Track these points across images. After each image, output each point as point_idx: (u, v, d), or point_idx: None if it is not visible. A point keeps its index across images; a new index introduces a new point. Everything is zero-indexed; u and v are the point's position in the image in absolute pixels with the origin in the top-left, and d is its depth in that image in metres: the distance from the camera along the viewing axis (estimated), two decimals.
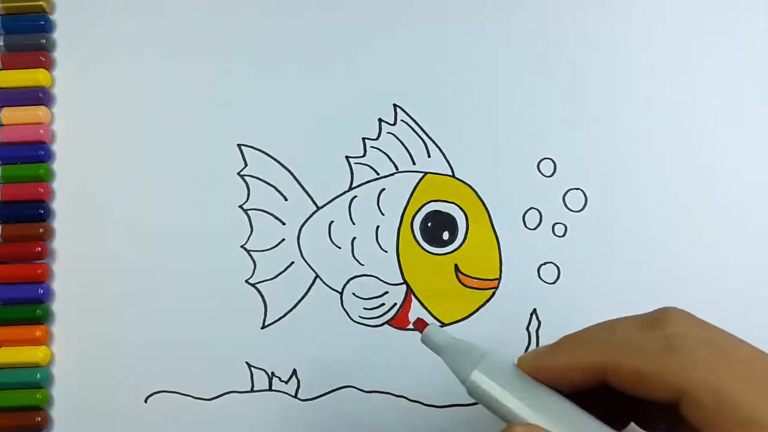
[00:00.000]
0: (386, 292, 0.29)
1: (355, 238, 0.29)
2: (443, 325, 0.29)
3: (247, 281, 0.29)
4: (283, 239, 0.29)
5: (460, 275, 0.29)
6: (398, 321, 0.29)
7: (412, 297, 0.29)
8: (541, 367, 0.21)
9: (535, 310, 0.29)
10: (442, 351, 0.22)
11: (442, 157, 0.29)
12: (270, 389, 0.29)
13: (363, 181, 0.29)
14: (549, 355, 0.22)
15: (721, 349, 0.19)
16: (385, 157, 0.29)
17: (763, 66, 0.30)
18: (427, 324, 0.23)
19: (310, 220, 0.29)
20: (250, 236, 0.29)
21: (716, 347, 0.19)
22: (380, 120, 0.30)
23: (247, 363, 0.29)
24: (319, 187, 0.30)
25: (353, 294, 0.29)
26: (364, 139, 0.30)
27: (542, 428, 0.20)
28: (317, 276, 0.29)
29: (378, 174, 0.29)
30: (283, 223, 0.29)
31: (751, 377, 0.18)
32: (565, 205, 0.29)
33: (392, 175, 0.29)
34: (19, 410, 0.28)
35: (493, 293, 0.29)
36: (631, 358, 0.19)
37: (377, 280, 0.29)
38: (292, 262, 0.29)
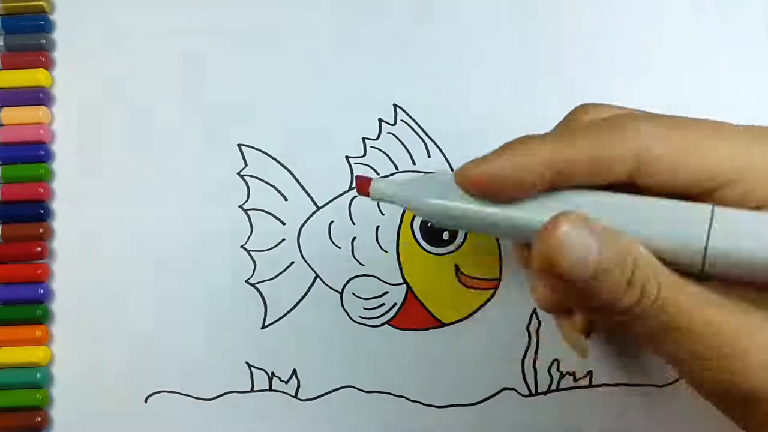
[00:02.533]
0: (386, 292, 0.29)
1: (355, 238, 0.29)
2: (443, 325, 0.29)
3: (247, 281, 0.29)
4: (283, 239, 0.29)
5: (461, 275, 0.29)
6: (398, 321, 0.29)
7: (413, 297, 0.29)
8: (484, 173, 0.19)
9: (535, 309, 0.29)
10: (397, 198, 0.22)
11: (442, 157, 0.29)
12: (270, 389, 0.29)
13: None
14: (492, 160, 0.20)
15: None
16: (385, 157, 0.29)
17: (763, 66, 0.30)
18: (370, 179, 0.22)
19: (310, 220, 0.29)
20: (250, 236, 0.29)
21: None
22: (380, 120, 0.30)
23: (247, 363, 0.29)
24: (319, 187, 0.30)
25: (353, 294, 0.29)
26: (364, 139, 0.30)
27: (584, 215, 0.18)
28: (317, 276, 0.29)
29: (378, 174, 0.29)
30: (283, 223, 0.29)
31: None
32: None
33: (392, 175, 0.29)
34: (19, 410, 0.28)
35: (494, 293, 0.29)
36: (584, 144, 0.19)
37: (377, 280, 0.29)
38: (292, 262, 0.29)
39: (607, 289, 0.18)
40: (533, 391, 0.28)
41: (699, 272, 0.19)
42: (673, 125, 0.19)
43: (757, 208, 0.18)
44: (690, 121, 0.19)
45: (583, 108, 0.21)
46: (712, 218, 0.18)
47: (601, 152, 0.19)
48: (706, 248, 0.18)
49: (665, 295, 0.18)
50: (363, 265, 0.29)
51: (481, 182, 0.19)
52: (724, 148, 0.19)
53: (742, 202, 0.18)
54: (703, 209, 0.19)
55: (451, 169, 0.29)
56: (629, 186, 0.19)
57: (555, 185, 0.19)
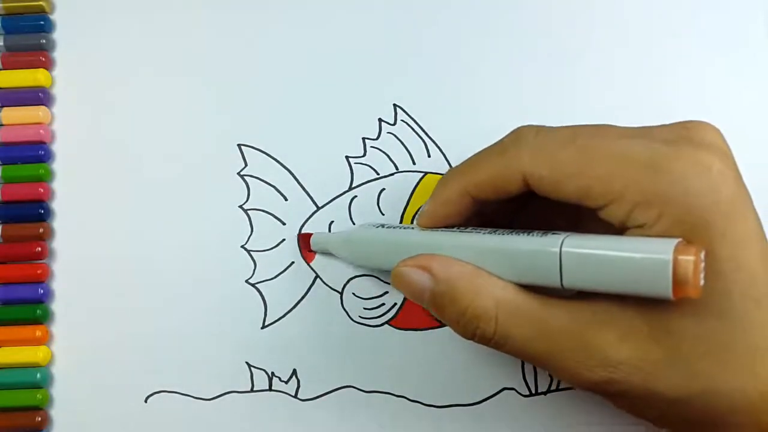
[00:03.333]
0: (386, 292, 0.29)
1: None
2: (443, 325, 0.29)
3: (247, 281, 0.29)
4: (283, 239, 0.29)
5: None
6: (398, 321, 0.29)
7: None
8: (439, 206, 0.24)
9: None
10: (329, 246, 0.28)
11: (442, 157, 0.29)
12: (270, 389, 0.29)
13: (363, 181, 0.29)
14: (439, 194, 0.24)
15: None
16: (385, 157, 0.29)
17: (763, 66, 0.30)
18: (310, 234, 0.28)
19: (310, 220, 0.29)
20: (250, 236, 0.29)
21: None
22: (380, 120, 0.30)
23: (247, 363, 0.29)
24: (319, 187, 0.30)
25: (353, 294, 0.29)
26: (364, 139, 0.30)
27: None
28: (317, 276, 0.29)
29: (378, 174, 0.29)
30: (283, 223, 0.29)
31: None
32: None
33: (392, 175, 0.29)
34: (19, 410, 0.28)
35: None
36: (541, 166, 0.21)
37: (377, 280, 0.29)
38: (292, 262, 0.29)
39: (448, 320, 0.22)
40: (533, 391, 0.28)
41: (561, 288, 0.20)
42: (556, 147, 0.21)
43: (640, 227, 0.20)
44: (578, 136, 0.21)
45: (520, 129, 0.23)
46: (561, 255, 0.20)
47: (496, 174, 0.22)
48: (561, 280, 0.20)
49: (501, 332, 0.21)
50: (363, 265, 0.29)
51: (428, 223, 0.24)
52: (600, 171, 0.20)
53: (625, 221, 0.20)
54: (553, 243, 0.20)
55: (451, 168, 0.29)
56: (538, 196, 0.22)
57: (477, 200, 0.23)
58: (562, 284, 0.20)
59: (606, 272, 0.19)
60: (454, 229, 0.24)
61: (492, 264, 0.22)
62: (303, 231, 0.29)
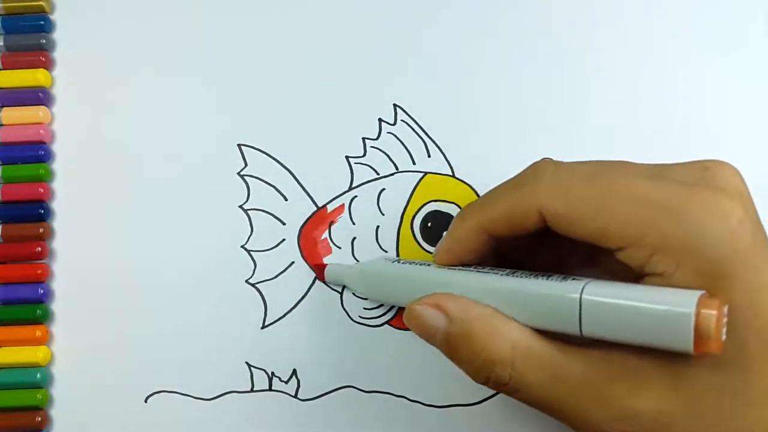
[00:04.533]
0: None
1: (355, 238, 0.29)
2: None
3: (247, 281, 0.29)
4: (283, 239, 0.29)
5: None
6: (398, 321, 0.29)
7: None
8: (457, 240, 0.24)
9: None
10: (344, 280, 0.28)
11: (442, 157, 0.29)
12: (270, 389, 0.29)
13: (363, 181, 0.29)
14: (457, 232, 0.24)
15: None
16: (385, 157, 0.29)
17: (763, 66, 0.30)
18: (325, 265, 0.28)
19: (310, 220, 0.29)
20: (250, 236, 0.29)
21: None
22: (380, 120, 0.30)
23: (247, 363, 0.29)
24: (319, 187, 0.30)
25: (353, 294, 0.29)
26: (364, 139, 0.30)
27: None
28: (317, 276, 0.29)
29: (378, 174, 0.29)
30: (283, 223, 0.29)
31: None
32: None
33: (392, 175, 0.29)
34: (19, 410, 0.28)
35: None
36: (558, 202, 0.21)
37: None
38: (292, 262, 0.29)
39: (461, 362, 0.22)
40: None
41: (579, 336, 0.20)
42: (574, 183, 0.20)
43: (659, 275, 0.19)
44: (597, 174, 0.21)
45: (538, 163, 0.23)
46: (581, 302, 0.19)
47: (512, 209, 0.22)
48: (580, 328, 0.20)
49: (516, 377, 0.21)
50: None
51: (445, 260, 0.24)
52: (619, 213, 0.20)
53: (643, 266, 0.19)
54: (574, 289, 0.20)
55: (451, 168, 0.29)
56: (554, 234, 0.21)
57: (493, 237, 0.23)
58: (581, 332, 0.20)
59: (626, 322, 0.19)
60: (471, 268, 0.23)
61: (509, 307, 0.21)
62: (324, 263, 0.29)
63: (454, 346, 0.22)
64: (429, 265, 0.25)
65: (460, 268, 0.23)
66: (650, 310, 0.18)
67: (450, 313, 0.22)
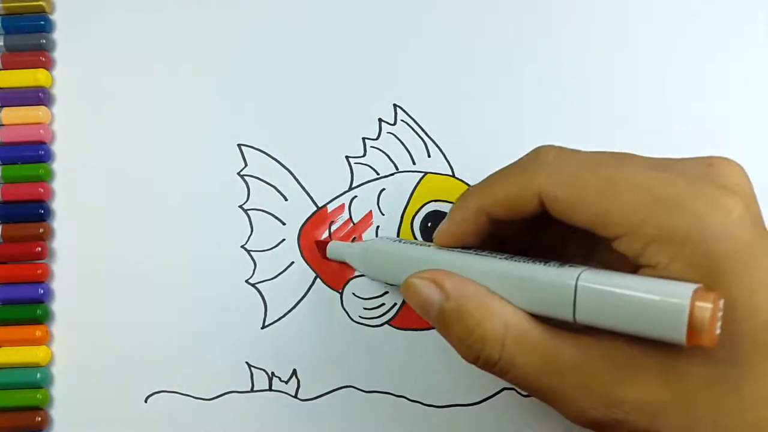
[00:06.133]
0: (386, 292, 0.29)
1: (354, 238, 0.29)
2: None
3: (247, 281, 0.29)
4: (283, 239, 0.29)
5: None
6: (398, 321, 0.29)
7: None
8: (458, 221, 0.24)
9: None
10: (345, 256, 0.28)
11: (442, 157, 0.30)
12: (270, 389, 0.29)
13: (363, 181, 0.29)
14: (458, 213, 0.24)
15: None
16: (385, 157, 0.29)
17: (763, 66, 0.30)
18: (327, 242, 0.29)
19: (310, 220, 0.29)
20: (250, 236, 0.29)
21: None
22: (380, 120, 0.30)
23: (247, 363, 0.29)
24: (319, 187, 0.30)
25: (353, 294, 0.29)
26: (364, 139, 0.30)
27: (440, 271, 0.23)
28: (317, 276, 0.29)
29: (378, 174, 0.29)
30: (283, 223, 0.29)
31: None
32: None
33: (392, 175, 0.29)
34: (19, 410, 0.28)
35: None
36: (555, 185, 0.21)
37: (377, 279, 0.29)
38: (292, 262, 0.29)
39: (453, 339, 0.22)
40: None
41: (572, 322, 0.20)
42: (576, 170, 0.20)
43: (654, 267, 0.19)
44: (601, 163, 0.21)
45: (541, 148, 0.23)
46: (576, 288, 0.19)
47: (512, 192, 0.22)
48: (574, 314, 0.20)
49: (506, 358, 0.21)
50: None
51: (445, 242, 0.24)
52: (619, 201, 0.19)
53: (639, 256, 0.19)
54: (570, 275, 0.20)
55: (451, 168, 0.29)
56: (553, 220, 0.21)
57: (493, 220, 0.23)
58: (574, 318, 0.20)
59: (620, 311, 0.19)
60: (471, 251, 0.23)
61: (505, 289, 0.21)
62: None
63: (448, 322, 0.22)
64: (429, 246, 0.25)
65: (460, 250, 0.24)
66: (645, 300, 0.18)
67: (446, 290, 0.22)
